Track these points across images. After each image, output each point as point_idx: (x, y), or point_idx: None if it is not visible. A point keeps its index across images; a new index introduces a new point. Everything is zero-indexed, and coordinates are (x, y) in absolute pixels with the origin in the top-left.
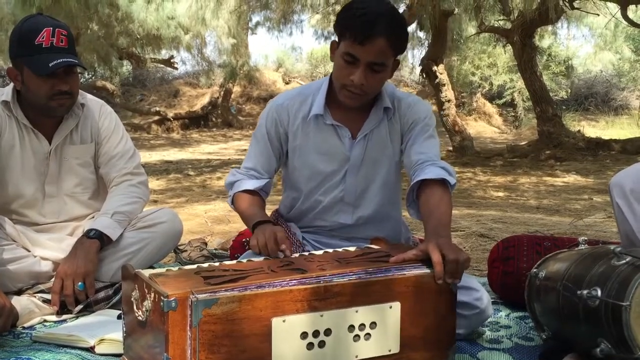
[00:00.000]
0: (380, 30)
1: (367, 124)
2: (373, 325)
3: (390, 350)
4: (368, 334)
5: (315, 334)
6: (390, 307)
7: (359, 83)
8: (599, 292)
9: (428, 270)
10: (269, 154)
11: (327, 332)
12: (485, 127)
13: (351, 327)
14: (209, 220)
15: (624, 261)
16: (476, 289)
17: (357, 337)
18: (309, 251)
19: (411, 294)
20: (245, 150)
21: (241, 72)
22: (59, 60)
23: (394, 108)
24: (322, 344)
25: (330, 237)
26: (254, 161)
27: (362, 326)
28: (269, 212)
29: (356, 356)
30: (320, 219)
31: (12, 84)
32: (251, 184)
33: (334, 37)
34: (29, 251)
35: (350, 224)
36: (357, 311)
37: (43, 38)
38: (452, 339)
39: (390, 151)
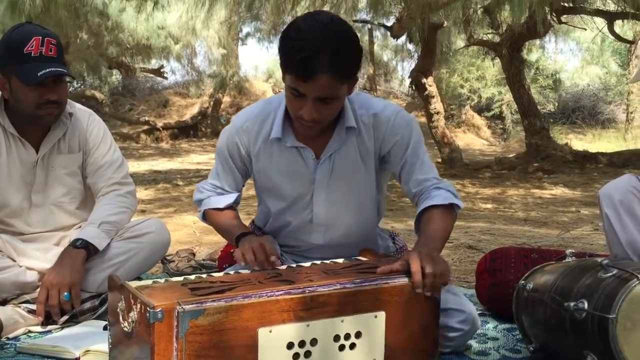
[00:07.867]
0: (322, 66)
1: (330, 144)
2: (358, 334)
3: None
4: (353, 344)
5: (302, 344)
6: (375, 317)
7: (309, 118)
8: (586, 305)
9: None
10: (234, 174)
11: (313, 342)
12: (474, 139)
13: (337, 337)
14: (198, 231)
15: (610, 274)
16: (461, 310)
17: (342, 347)
18: (296, 262)
19: (396, 304)
20: None
21: (231, 82)
22: (47, 70)
23: (369, 125)
24: (308, 354)
25: (305, 259)
26: (221, 180)
27: (347, 336)
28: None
29: None
30: (292, 237)
31: None
32: (221, 202)
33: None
34: (15, 261)
35: (322, 244)
36: (342, 321)
37: (32, 47)
38: (435, 348)
39: (363, 172)
